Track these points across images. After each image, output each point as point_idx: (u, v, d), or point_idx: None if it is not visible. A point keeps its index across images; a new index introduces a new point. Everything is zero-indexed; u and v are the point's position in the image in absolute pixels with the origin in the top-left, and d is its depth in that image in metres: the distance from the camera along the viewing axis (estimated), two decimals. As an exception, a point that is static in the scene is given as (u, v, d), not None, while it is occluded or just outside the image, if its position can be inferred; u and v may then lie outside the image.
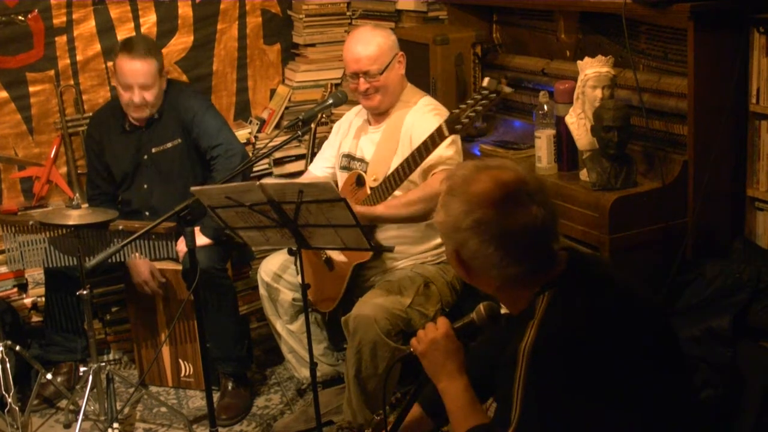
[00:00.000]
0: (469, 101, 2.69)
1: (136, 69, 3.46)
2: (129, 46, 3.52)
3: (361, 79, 3.07)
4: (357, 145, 3.24)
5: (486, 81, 2.64)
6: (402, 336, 2.96)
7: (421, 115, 3.06)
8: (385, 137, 3.12)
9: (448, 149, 2.94)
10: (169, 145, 3.62)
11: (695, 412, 1.96)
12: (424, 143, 2.81)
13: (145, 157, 3.64)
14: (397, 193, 2.96)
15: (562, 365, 1.73)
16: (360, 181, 3.10)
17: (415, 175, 2.94)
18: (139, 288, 3.59)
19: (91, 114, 3.93)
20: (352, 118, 3.34)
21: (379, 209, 2.93)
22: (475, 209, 1.80)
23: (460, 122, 2.69)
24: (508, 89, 2.70)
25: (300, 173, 4.08)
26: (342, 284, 3.12)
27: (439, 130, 2.76)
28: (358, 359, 2.93)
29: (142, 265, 3.53)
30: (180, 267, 3.51)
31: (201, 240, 3.37)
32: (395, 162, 3.03)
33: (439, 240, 3.15)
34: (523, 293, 1.85)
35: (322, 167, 3.40)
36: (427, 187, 2.91)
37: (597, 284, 1.86)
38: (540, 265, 1.84)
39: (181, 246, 3.27)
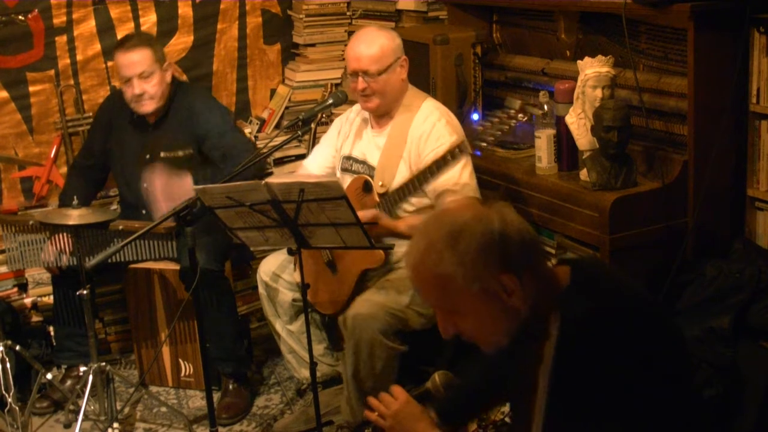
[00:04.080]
0: (494, 119, 2.71)
1: (130, 60, 3.49)
2: (121, 42, 3.59)
3: (360, 78, 3.05)
4: (359, 147, 3.23)
5: (518, 104, 2.66)
6: (399, 336, 2.95)
7: (430, 126, 3.04)
8: (391, 143, 3.10)
9: (463, 173, 2.95)
10: (181, 153, 3.60)
11: (696, 411, 1.95)
12: (443, 157, 2.86)
13: (148, 156, 3.62)
14: (408, 207, 3.00)
15: (588, 383, 1.67)
16: (367, 187, 3.09)
17: (427, 187, 2.98)
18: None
19: (91, 114, 3.93)
20: (353, 117, 3.31)
21: (402, 227, 2.96)
22: (483, 228, 1.68)
23: (484, 140, 2.72)
24: (538, 111, 2.73)
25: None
26: (347, 289, 3.11)
27: (462, 144, 2.80)
28: (355, 358, 2.93)
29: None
30: (179, 267, 3.51)
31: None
32: (401, 168, 3.04)
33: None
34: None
35: (322, 165, 3.37)
36: None
37: (605, 295, 1.78)
38: (544, 274, 1.77)
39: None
